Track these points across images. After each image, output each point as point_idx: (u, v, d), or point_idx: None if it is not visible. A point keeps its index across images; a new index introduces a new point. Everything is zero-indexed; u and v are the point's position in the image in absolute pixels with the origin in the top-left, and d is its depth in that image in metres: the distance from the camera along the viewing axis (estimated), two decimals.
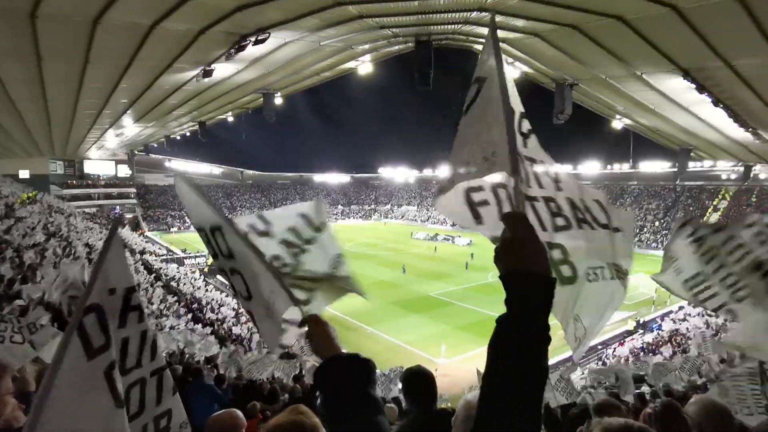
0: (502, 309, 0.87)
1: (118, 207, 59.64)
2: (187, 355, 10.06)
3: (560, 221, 1.27)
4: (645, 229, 50.82)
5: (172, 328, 14.11)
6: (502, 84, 1.08)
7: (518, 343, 0.82)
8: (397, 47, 19.47)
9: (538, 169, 1.22)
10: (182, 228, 60.51)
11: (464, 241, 48.30)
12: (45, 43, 11.66)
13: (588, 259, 1.32)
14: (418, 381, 2.12)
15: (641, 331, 21.83)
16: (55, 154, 50.00)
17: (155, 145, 49.30)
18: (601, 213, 1.35)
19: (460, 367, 16.48)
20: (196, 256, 36.88)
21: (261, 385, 6.66)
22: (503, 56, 1.16)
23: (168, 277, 24.92)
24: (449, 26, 15.96)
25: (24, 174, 47.92)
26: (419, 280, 31.28)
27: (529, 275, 0.86)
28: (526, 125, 1.23)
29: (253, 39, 12.92)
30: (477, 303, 25.76)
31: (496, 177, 1.15)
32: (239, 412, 2.14)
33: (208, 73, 15.65)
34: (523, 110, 1.21)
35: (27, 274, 9.06)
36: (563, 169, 1.30)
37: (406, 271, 33.47)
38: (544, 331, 0.83)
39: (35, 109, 21.22)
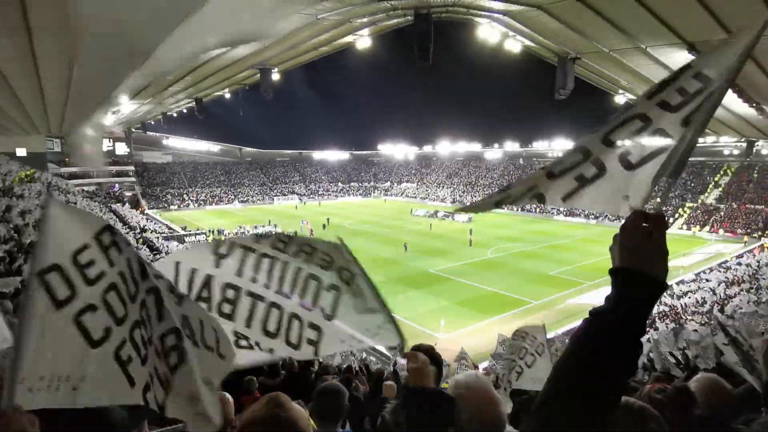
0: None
1: (117, 185, 59.53)
2: None
3: None
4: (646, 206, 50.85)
5: None
6: (722, 90, 0.96)
7: (614, 343, 0.79)
8: (395, 20, 19.03)
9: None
10: (181, 206, 60.57)
11: (463, 218, 48.36)
12: (35, 15, 11.37)
13: None
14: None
15: None
16: (51, 132, 49.52)
17: (152, 123, 48.84)
18: None
19: (459, 341, 16.73)
20: (196, 234, 37.03)
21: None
22: None
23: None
24: None
25: (21, 152, 47.58)
26: (419, 256, 31.45)
27: (648, 278, 0.82)
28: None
29: None
30: (476, 279, 25.98)
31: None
32: (229, 399, 2.14)
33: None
34: None
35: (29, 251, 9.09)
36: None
37: (407, 249, 33.64)
38: (641, 336, 0.81)
39: (29, 87, 20.88)
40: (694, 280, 24.85)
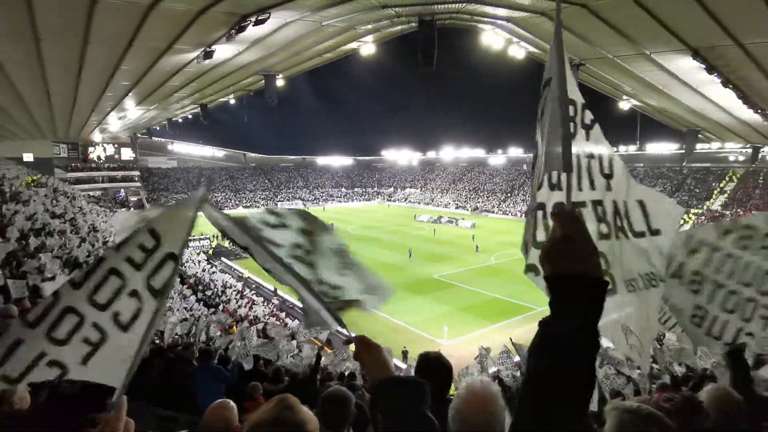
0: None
1: (122, 190, 59.85)
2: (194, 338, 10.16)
3: (604, 228, 1.25)
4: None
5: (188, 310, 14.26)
6: (561, 78, 1.05)
7: (565, 349, 0.77)
8: (399, 27, 19.15)
9: (594, 166, 1.19)
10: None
11: (467, 224, 48.26)
12: (42, 22, 11.51)
13: (623, 270, 1.30)
14: (433, 367, 2.09)
15: None
16: (58, 137, 49.97)
17: (158, 128, 49.16)
18: (640, 218, 1.33)
19: (462, 347, 16.64)
20: (200, 239, 37.09)
21: (265, 367, 6.76)
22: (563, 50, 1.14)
23: None
24: (453, 5, 15.64)
25: (28, 157, 48.00)
26: (422, 262, 31.38)
27: (579, 277, 0.80)
28: (589, 116, 1.20)
29: (253, 19, 12.71)
30: (480, 285, 25.88)
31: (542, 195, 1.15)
32: (233, 406, 2.13)
33: (208, 55, 15.46)
34: (583, 101, 1.18)
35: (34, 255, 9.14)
36: (618, 162, 1.27)
37: (412, 255, 33.57)
38: (594, 336, 0.78)
39: (36, 92, 21.11)
40: None
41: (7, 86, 18.96)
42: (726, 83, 14.74)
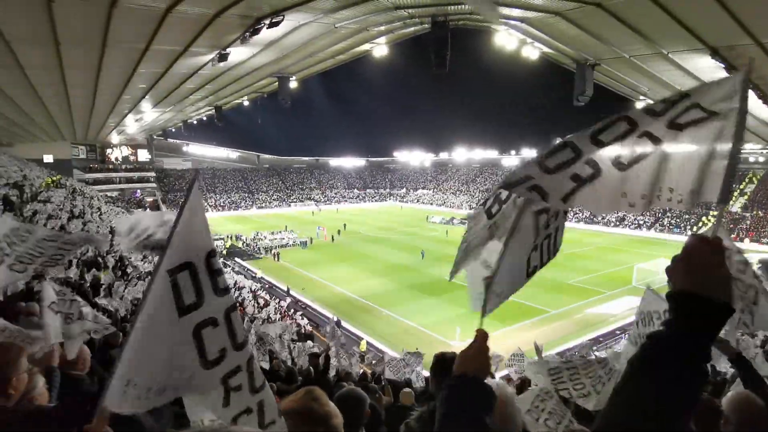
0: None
1: (138, 191, 60.88)
2: None
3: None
4: (668, 214, 49.69)
5: None
6: (739, 133, 1.03)
7: (677, 370, 0.76)
8: (412, 28, 19.12)
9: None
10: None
11: None
12: (62, 27, 11.76)
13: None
14: (448, 368, 2.07)
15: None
16: (77, 139, 51.04)
17: (173, 130, 49.88)
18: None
19: None
20: (214, 239, 37.50)
21: (279, 366, 6.80)
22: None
23: None
24: (466, 6, 15.58)
25: (48, 158, 49.13)
26: (435, 263, 31.29)
27: (711, 302, 0.79)
28: None
29: (267, 22, 12.83)
30: None
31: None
32: None
33: (223, 57, 15.64)
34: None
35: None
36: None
37: (424, 256, 33.50)
38: (707, 360, 0.77)
39: (56, 95, 21.59)
40: None
41: (29, 90, 19.44)
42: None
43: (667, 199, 1.11)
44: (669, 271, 0.86)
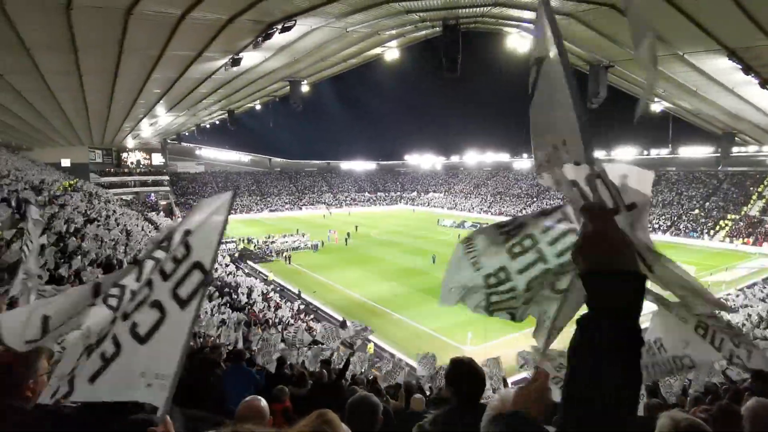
0: None
1: (152, 194, 61.74)
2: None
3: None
4: (683, 217, 48.83)
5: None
6: (564, 61, 0.95)
7: (608, 347, 0.74)
8: (424, 32, 19.14)
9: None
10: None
11: None
12: (80, 34, 12.02)
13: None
14: (464, 373, 2.05)
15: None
16: (93, 144, 52.01)
17: (186, 134, 50.55)
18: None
19: (486, 354, 16.40)
20: (226, 242, 37.84)
21: (291, 370, 6.82)
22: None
23: None
24: (478, 9, 15.54)
25: (65, 162, 50.13)
26: (446, 267, 31.11)
27: (615, 272, 0.78)
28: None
29: (279, 27, 12.96)
30: None
31: (568, 170, 1.01)
32: (264, 402, 2.17)
33: (236, 62, 15.83)
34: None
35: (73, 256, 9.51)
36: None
37: (435, 260, 33.38)
38: (636, 332, 0.76)
39: (73, 100, 22.04)
40: (738, 296, 23.58)
41: (48, 95, 19.89)
42: (764, 84, 14.15)
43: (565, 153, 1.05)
44: (572, 257, 0.85)
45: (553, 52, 0.98)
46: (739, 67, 13.26)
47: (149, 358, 1.24)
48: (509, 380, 12.04)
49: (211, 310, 14.38)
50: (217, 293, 19.25)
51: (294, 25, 13.03)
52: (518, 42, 18.93)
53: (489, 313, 1.61)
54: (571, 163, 0.96)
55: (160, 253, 1.36)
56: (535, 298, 1.54)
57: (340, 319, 20.98)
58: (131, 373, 1.24)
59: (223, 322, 12.71)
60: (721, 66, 14.01)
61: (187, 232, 1.32)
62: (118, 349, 1.27)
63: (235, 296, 20.17)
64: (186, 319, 1.25)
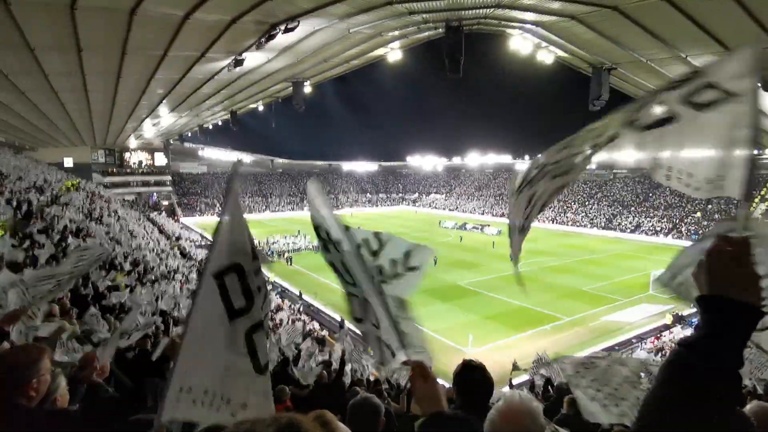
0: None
1: (155, 194, 61.84)
2: None
3: None
4: (685, 220, 48.73)
5: None
6: (754, 112, 0.98)
7: (710, 376, 0.75)
8: (426, 33, 19.14)
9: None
10: (215, 215, 62.32)
11: (493, 231, 47.65)
12: (84, 34, 12.05)
13: None
14: (475, 379, 2.03)
15: (679, 325, 21.07)
16: (96, 144, 52.14)
17: (189, 134, 50.66)
18: None
19: (487, 357, 16.38)
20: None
21: (291, 371, 6.81)
22: None
23: (202, 263, 25.77)
24: (480, 10, 15.54)
25: (68, 162, 50.27)
26: (448, 269, 31.12)
27: (738, 304, 0.78)
28: None
29: (282, 28, 12.97)
30: (506, 293, 25.44)
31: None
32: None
33: (239, 63, 15.86)
34: None
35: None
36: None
37: (437, 262, 33.37)
38: (738, 367, 0.76)
39: (77, 100, 22.10)
40: None
41: (52, 95, 19.94)
42: (767, 87, 14.13)
43: (685, 184, 1.06)
44: (694, 275, 0.86)
45: (750, 96, 0.99)
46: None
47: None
48: (516, 380, 12.01)
49: None
50: None
51: (297, 26, 13.04)
52: (521, 43, 18.91)
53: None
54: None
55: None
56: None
57: (339, 319, 20.99)
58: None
59: None
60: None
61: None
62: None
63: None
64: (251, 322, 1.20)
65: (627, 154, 1.11)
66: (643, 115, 1.11)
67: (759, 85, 0.98)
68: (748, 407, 2.27)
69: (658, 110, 1.09)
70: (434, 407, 1.19)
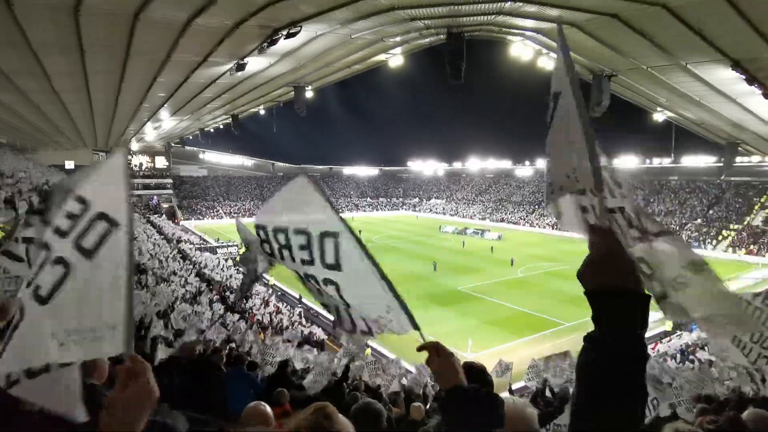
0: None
1: (155, 197, 61.88)
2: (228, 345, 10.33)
3: (635, 233, 1.21)
4: (686, 227, 48.69)
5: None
6: (577, 95, 1.02)
7: (614, 363, 0.78)
8: (428, 39, 19.24)
9: (606, 175, 1.16)
10: (215, 218, 62.34)
11: (493, 236, 47.63)
12: (87, 37, 12.11)
13: (667, 270, 1.25)
14: (475, 378, 2.05)
15: (679, 332, 21.01)
16: (97, 146, 52.22)
17: (190, 138, 50.79)
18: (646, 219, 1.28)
19: (487, 362, 16.33)
20: (228, 245, 37.89)
21: (292, 374, 6.80)
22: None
23: (201, 266, 25.75)
24: (482, 17, 15.64)
25: (69, 165, 50.31)
26: (448, 273, 31.08)
27: (619, 291, 0.82)
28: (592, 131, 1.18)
29: (285, 32, 13.05)
30: (506, 298, 25.40)
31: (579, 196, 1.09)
32: (269, 408, 2.17)
33: (241, 67, 15.93)
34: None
35: None
36: (622, 171, 1.25)
37: (437, 268, 33.35)
38: (642, 348, 0.80)
39: (79, 101, 22.17)
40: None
41: (54, 97, 20.01)
42: None
43: (576, 181, 1.10)
44: (579, 275, 0.88)
45: (567, 86, 1.04)
46: (743, 77, 13.30)
47: (52, 317, 1.17)
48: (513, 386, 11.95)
49: (212, 316, 14.37)
50: (217, 296, 19.25)
51: (299, 31, 13.12)
52: (521, 50, 19.01)
53: None
54: (582, 191, 1.02)
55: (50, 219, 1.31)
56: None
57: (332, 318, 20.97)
58: (33, 338, 1.18)
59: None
60: (725, 76, 14.04)
61: (79, 197, 1.27)
62: (21, 315, 1.21)
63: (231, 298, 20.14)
64: (95, 268, 1.19)
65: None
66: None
67: (569, 71, 1.02)
68: (746, 414, 2.28)
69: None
70: (453, 382, 1.17)
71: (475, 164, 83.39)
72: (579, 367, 0.83)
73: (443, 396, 1.16)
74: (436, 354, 1.23)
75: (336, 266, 1.52)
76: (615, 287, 0.82)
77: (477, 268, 33.47)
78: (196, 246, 35.42)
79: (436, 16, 15.25)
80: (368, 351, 17.70)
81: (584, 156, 0.98)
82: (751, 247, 41.31)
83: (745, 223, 45.84)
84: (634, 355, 0.79)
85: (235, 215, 64.58)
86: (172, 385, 4.10)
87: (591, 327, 1.07)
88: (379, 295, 1.48)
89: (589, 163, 0.97)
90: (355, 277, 1.51)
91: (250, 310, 19.39)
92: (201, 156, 73.75)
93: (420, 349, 1.27)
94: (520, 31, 17.28)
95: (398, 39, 18.48)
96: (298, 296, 25.20)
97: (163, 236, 33.82)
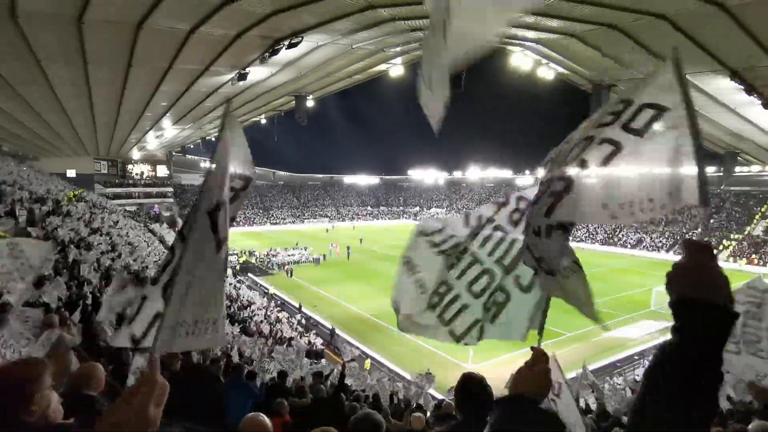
0: None
1: (156, 205, 61.94)
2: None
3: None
4: (688, 236, 48.57)
5: None
6: (691, 119, 0.99)
7: (690, 377, 0.76)
8: None
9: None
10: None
11: None
12: (90, 46, 12.23)
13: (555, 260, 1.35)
14: (475, 391, 2.02)
15: None
16: (99, 155, 52.46)
17: (191, 147, 50.99)
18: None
19: (488, 372, 16.18)
20: (228, 255, 37.80)
21: (290, 383, 6.75)
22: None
23: None
24: None
25: (71, 173, 50.44)
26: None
27: (709, 305, 0.80)
28: None
29: (286, 43, 13.17)
30: None
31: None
32: (268, 420, 2.15)
33: (243, 77, 16.05)
34: None
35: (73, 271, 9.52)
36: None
37: None
38: (719, 366, 0.77)
39: (81, 110, 22.31)
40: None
41: (57, 105, 20.15)
42: (767, 105, 14.25)
43: (649, 209, 1.07)
44: (666, 285, 0.86)
45: (680, 107, 1.01)
46: (742, 87, 13.38)
47: (186, 305, 1.15)
48: None
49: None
50: None
51: (301, 41, 13.24)
52: (522, 60, 19.14)
53: (458, 341, 1.90)
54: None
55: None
56: (505, 308, 1.79)
57: (330, 327, 20.90)
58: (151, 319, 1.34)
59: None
60: (724, 86, 14.12)
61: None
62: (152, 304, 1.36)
63: (235, 306, 20.07)
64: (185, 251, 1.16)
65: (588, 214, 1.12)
66: (590, 157, 1.14)
67: (686, 93, 0.99)
68: (751, 426, 2.26)
69: (601, 152, 1.12)
70: (536, 393, 1.11)
71: (476, 173, 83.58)
72: (648, 374, 0.81)
73: (504, 398, 1.09)
74: (536, 359, 1.21)
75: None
76: (704, 299, 0.80)
77: None
78: None
79: None
80: (368, 362, 17.59)
81: (695, 175, 0.95)
82: (753, 256, 41.22)
83: (746, 232, 45.79)
84: (711, 371, 0.77)
85: (236, 224, 64.69)
86: (169, 395, 4.07)
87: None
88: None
89: (698, 180, 0.94)
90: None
91: (250, 319, 19.30)
92: (202, 164, 73.92)
93: (534, 350, 1.27)
94: (521, 42, 17.42)
95: (399, 49, 18.63)
96: (298, 305, 25.12)
97: (164, 245, 33.76)
